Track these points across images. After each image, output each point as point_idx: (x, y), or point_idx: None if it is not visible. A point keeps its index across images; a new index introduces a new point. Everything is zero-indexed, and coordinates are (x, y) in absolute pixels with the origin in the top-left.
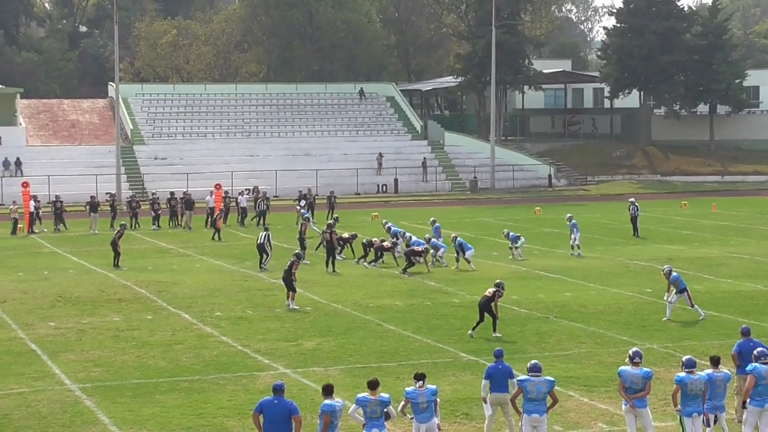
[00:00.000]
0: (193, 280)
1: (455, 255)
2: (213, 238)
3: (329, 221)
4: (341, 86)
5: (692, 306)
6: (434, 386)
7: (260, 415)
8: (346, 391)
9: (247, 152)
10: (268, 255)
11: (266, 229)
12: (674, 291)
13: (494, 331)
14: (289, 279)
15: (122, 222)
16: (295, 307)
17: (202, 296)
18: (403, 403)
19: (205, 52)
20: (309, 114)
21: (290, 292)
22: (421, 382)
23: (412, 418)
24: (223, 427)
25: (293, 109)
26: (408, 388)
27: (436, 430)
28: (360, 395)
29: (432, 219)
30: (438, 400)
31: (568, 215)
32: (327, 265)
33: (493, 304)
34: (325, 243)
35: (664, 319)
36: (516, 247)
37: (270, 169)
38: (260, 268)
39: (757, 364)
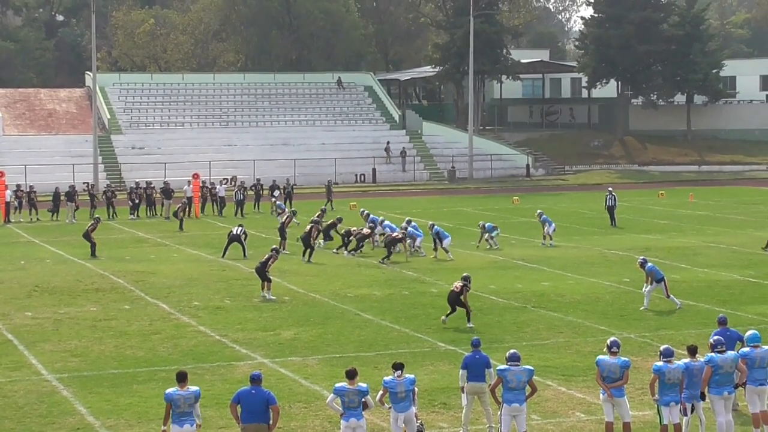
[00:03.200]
0: (171, 270)
1: (432, 244)
2: (180, 228)
3: (318, 213)
4: (319, 76)
5: (668, 296)
6: (412, 375)
7: (238, 405)
8: (324, 380)
9: (225, 142)
10: (243, 247)
11: (241, 225)
12: (651, 281)
13: (468, 321)
14: (263, 271)
15: (97, 215)
16: (272, 297)
17: (180, 286)
18: (381, 392)
19: (182, 42)
20: (287, 103)
21: (265, 283)
22: (399, 371)
23: (390, 408)
24: (201, 418)
25: (271, 99)
26: (386, 378)
27: (414, 420)
28: (338, 385)
29: (408, 219)
30: (416, 389)
31: (538, 211)
32: (303, 255)
33: (462, 297)
34: (304, 235)
35: (641, 308)
36: (492, 237)
37: (248, 158)
38: (222, 257)
39: (713, 354)
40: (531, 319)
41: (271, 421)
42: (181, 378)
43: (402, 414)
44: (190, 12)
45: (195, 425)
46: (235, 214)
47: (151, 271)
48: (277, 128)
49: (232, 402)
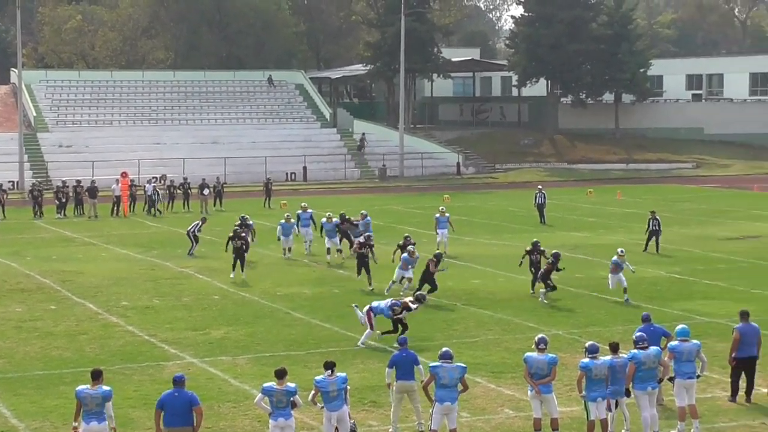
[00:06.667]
0: (99, 270)
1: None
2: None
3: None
4: (250, 74)
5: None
6: (344, 374)
7: (162, 411)
8: (254, 380)
9: (154, 140)
10: (194, 243)
11: (203, 220)
12: None
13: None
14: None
15: None
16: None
17: (108, 285)
18: (313, 392)
19: (111, 38)
20: (217, 101)
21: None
22: (330, 371)
23: (322, 408)
24: (129, 418)
25: (201, 97)
26: (317, 377)
27: (347, 419)
28: (266, 384)
29: (363, 212)
30: (348, 387)
31: (620, 250)
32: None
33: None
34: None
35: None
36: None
37: (177, 157)
38: (188, 254)
39: (635, 351)
40: (461, 316)
41: (195, 423)
42: (95, 376)
43: (335, 413)
44: (119, 8)
45: (104, 424)
46: (153, 212)
47: (79, 271)
48: (207, 126)
49: (156, 409)
